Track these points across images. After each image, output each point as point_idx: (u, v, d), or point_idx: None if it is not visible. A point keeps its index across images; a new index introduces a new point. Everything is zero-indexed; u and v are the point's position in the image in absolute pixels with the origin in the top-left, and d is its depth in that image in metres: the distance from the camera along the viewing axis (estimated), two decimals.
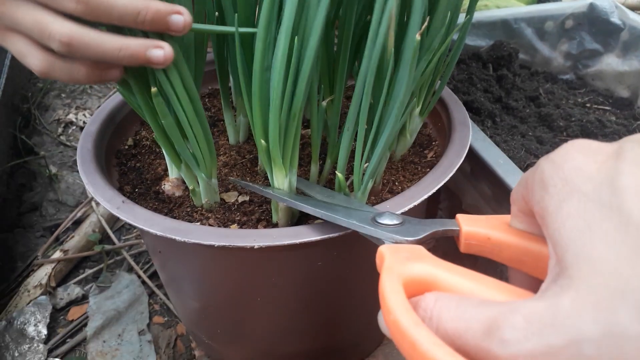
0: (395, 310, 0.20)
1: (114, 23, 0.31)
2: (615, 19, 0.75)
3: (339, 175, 0.39)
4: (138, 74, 0.35)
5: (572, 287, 0.17)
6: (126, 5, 0.31)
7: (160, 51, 0.33)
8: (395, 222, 0.31)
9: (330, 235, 0.35)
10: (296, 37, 0.33)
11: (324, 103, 0.42)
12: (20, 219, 0.80)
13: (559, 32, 0.78)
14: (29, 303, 0.68)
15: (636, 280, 0.16)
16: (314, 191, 0.40)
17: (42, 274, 0.70)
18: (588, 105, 0.75)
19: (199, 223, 0.41)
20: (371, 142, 0.39)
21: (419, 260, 0.23)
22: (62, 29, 0.31)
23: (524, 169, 0.60)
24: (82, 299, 0.71)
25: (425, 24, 0.32)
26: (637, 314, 0.15)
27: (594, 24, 0.77)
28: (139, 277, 0.72)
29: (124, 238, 0.79)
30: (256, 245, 0.34)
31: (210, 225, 0.41)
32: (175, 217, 0.42)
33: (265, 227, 0.40)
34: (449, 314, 0.20)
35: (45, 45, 0.32)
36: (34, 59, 0.32)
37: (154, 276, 0.73)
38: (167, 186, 0.44)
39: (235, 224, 0.41)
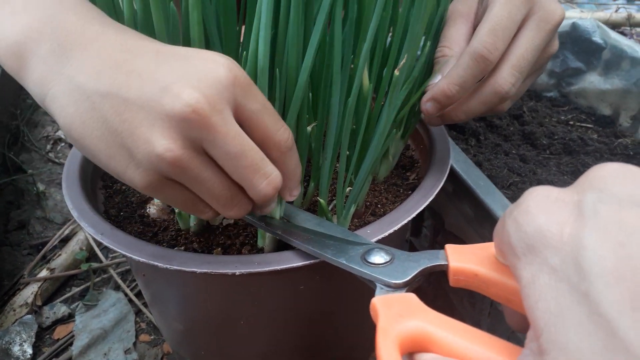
0: None
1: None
2: (597, 38, 0.76)
3: (321, 201, 0.39)
4: None
5: None
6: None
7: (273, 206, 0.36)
8: (384, 259, 0.31)
9: (312, 261, 0.35)
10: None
11: (309, 128, 0.42)
12: (7, 236, 0.80)
13: None
14: (14, 322, 0.67)
15: None
16: (300, 218, 0.40)
17: (28, 293, 0.70)
18: (571, 123, 0.76)
19: (183, 247, 0.41)
20: (353, 168, 0.39)
21: (412, 316, 0.23)
22: (277, 172, 0.32)
23: (507, 187, 0.61)
24: (69, 318, 0.70)
25: (403, 61, 0.33)
26: None
27: (577, 43, 0.78)
28: (126, 295, 0.72)
29: (111, 255, 0.79)
30: (237, 272, 0.34)
31: (194, 249, 0.41)
32: (159, 241, 0.42)
33: (249, 251, 0.41)
34: None
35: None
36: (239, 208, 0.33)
37: (140, 294, 0.73)
38: (153, 209, 0.45)
39: (219, 248, 0.41)
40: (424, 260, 0.30)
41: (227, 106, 0.29)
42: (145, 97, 0.28)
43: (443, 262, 0.28)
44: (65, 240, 0.79)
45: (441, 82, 0.39)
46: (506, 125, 0.73)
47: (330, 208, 0.43)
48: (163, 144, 0.28)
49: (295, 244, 0.36)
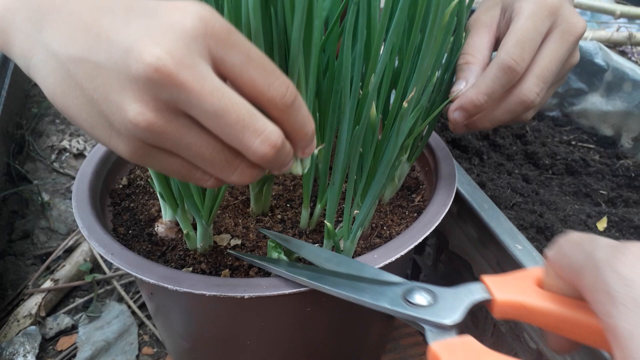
0: None
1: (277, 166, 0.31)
2: (599, 60, 0.77)
3: (328, 225, 0.40)
4: None
5: None
6: (289, 154, 0.30)
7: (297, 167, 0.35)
8: (427, 299, 0.29)
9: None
10: None
11: (316, 151, 0.43)
12: (11, 246, 0.81)
13: None
14: (18, 333, 0.68)
15: None
16: (314, 255, 0.38)
17: (32, 304, 0.70)
18: (573, 143, 0.77)
19: (191, 268, 0.42)
20: (361, 192, 0.40)
21: None
22: (277, 129, 0.28)
23: (510, 207, 0.62)
24: (72, 329, 0.71)
25: (412, 94, 0.34)
26: None
27: (579, 64, 0.79)
28: (129, 307, 0.73)
29: (114, 267, 0.79)
30: (246, 295, 0.35)
31: (202, 269, 0.42)
32: (168, 261, 0.43)
33: (257, 273, 0.41)
34: None
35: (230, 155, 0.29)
36: (240, 173, 0.29)
37: (143, 306, 0.73)
38: (161, 228, 0.45)
39: (227, 269, 0.42)
40: (467, 295, 0.29)
41: (200, 60, 0.26)
42: (113, 59, 0.26)
43: (487, 296, 0.28)
44: (69, 251, 0.79)
45: (469, 92, 0.41)
46: (509, 144, 0.74)
47: (336, 229, 0.43)
48: (134, 108, 0.25)
49: (327, 291, 0.33)
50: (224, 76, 0.27)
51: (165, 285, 0.36)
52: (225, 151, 0.28)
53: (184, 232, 0.42)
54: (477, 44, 0.44)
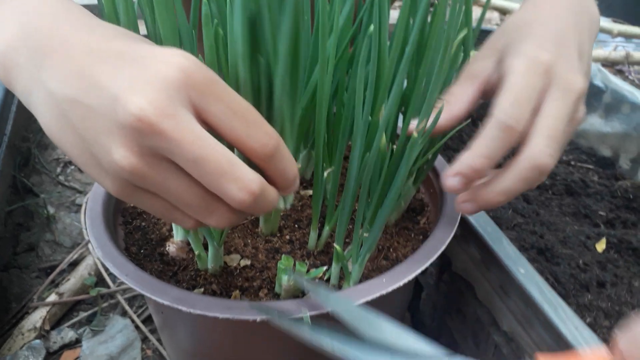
0: None
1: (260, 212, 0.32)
2: (598, 82, 0.79)
3: (337, 248, 0.41)
4: None
5: None
6: (273, 200, 0.31)
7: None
8: None
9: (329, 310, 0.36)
10: None
11: (325, 174, 0.44)
12: (16, 258, 0.81)
13: None
14: (22, 347, 0.68)
15: None
16: (339, 306, 0.34)
17: (36, 317, 0.71)
18: (572, 163, 0.78)
19: (202, 289, 0.42)
20: (370, 216, 0.41)
21: None
22: (257, 177, 0.29)
23: (512, 228, 0.63)
24: (76, 343, 0.71)
25: (422, 124, 0.35)
26: None
27: None
28: (133, 321, 0.73)
29: (118, 281, 0.79)
30: (258, 318, 0.36)
31: (213, 290, 0.43)
32: (179, 281, 0.44)
33: (266, 294, 0.42)
34: None
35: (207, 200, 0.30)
36: (218, 216, 0.30)
37: (147, 321, 0.74)
38: (172, 248, 0.46)
39: (237, 290, 0.42)
40: None
41: (182, 109, 0.27)
42: (103, 104, 0.27)
43: None
44: (74, 264, 0.80)
45: (466, 156, 0.37)
46: None
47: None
48: (119, 152, 0.27)
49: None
50: (207, 125, 0.28)
51: (179, 307, 0.36)
52: (206, 196, 0.30)
53: (196, 253, 0.43)
54: (457, 93, 0.41)
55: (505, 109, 0.36)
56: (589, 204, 0.69)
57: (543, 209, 0.68)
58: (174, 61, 0.27)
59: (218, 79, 0.28)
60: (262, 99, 0.34)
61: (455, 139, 0.74)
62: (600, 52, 1.25)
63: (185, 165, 0.28)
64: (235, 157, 0.28)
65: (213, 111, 0.28)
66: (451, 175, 0.37)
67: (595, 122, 0.80)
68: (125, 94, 0.26)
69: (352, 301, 0.36)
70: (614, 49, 1.29)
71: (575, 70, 0.38)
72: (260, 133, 0.29)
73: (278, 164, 0.31)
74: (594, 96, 0.80)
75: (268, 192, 0.30)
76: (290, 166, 0.32)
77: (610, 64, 1.24)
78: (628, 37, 1.35)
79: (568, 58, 0.39)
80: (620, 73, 1.23)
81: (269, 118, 0.34)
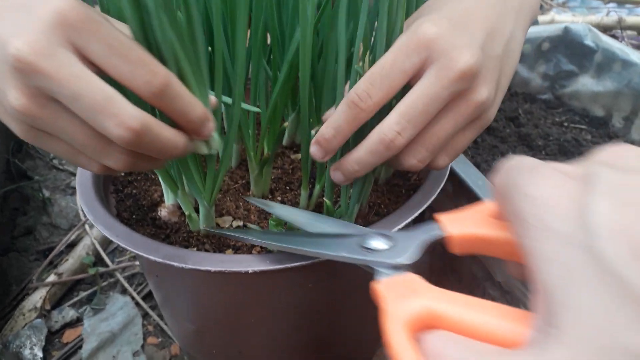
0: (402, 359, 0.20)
1: (155, 152, 0.31)
2: (589, 41, 0.78)
3: (327, 202, 0.41)
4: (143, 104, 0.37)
5: (557, 339, 0.17)
6: (169, 140, 0.31)
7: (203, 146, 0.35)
8: (383, 243, 0.30)
9: (320, 258, 0.37)
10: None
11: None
12: (14, 242, 0.81)
13: (537, 54, 0.82)
14: (24, 326, 0.68)
15: (617, 334, 0.16)
16: (296, 216, 0.39)
17: (36, 298, 0.71)
18: (565, 124, 0.78)
19: (195, 249, 0.43)
20: None
21: (415, 294, 0.23)
22: (137, 113, 0.29)
23: None
24: (77, 322, 0.72)
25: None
26: None
27: (569, 46, 0.80)
28: (133, 298, 0.74)
29: (117, 260, 0.80)
30: (250, 270, 0.36)
31: (206, 250, 0.43)
32: (172, 243, 0.44)
33: (259, 252, 0.42)
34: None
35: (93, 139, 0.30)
36: (110, 158, 0.31)
37: (147, 297, 0.74)
38: (164, 212, 0.46)
39: (231, 249, 0.43)
40: (422, 235, 0.29)
41: (61, 49, 0.28)
42: None
43: (441, 233, 0.28)
44: (71, 246, 0.80)
45: (322, 126, 0.38)
46: (502, 127, 0.75)
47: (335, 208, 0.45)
48: (12, 94, 0.28)
49: (294, 251, 0.35)
50: (91, 64, 0.29)
51: (171, 263, 0.37)
52: (96, 136, 0.30)
53: (186, 213, 0.43)
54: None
55: (357, 85, 0.35)
56: None
57: None
58: (52, 3, 0.28)
59: (96, 17, 0.28)
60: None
61: None
62: (592, 17, 1.24)
63: (67, 103, 0.28)
64: (115, 93, 0.28)
65: (93, 50, 0.28)
66: (312, 144, 0.38)
67: (587, 83, 0.80)
68: (9, 38, 0.28)
69: (300, 211, 0.40)
70: (607, 15, 1.28)
71: (464, 47, 0.34)
72: (144, 71, 0.28)
73: (171, 103, 0.30)
74: (585, 56, 0.79)
75: (156, 130, 0.30)
76: (189, 106, 0.31)
77: (602, 29, 1.24)
78: (620, 2, 1.34)
79: (462, 34, 0.34)
80: (613, 38, 1.23)
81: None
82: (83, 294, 0.75)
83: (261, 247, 0.43)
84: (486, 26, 0.36)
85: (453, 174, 0.52)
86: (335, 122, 0.36)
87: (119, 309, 0.73)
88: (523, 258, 0.20)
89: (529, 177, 0.21)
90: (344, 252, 0.31)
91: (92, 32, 0.28)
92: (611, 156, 0.20)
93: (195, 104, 0.32)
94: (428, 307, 0.22)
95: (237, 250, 0.43)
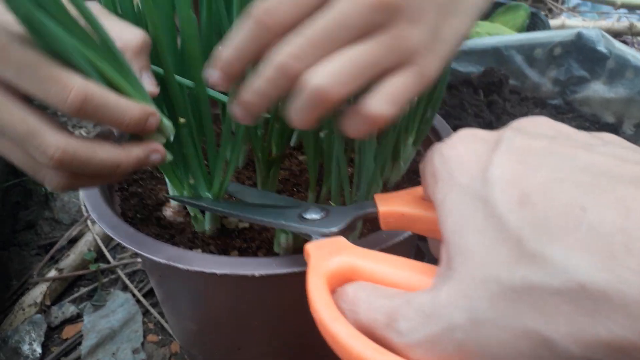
0: (318, 308, 0.22)
1: (91, 174, 0.32)
2: (601, 47, 0.77)
3: (332, 204, 0.40)
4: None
5: (450, 278, 0.19)
6: (104, 160, 0.31)
7: (157, 155, 0.34)
8: (320, 215, 0.33)
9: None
10: None
11: (322, 134, 0.43)
12: (15, 236, 0.81)
13: (548, 59, 0.81)
14: (23, 321, 0.68)
15: (492, 269, 0.18)
16: (247, 195, 0.41)
17: (37, 293, 0.71)
18: None
19: (200, 250, 0.42)
20: (357, 174, 0.40)
21: (339, 253, 0.25)
22: (57, 142, 0.29)
23: None
24: (77, 318, 0.71)
25: None
26: (490, 300, 0.18)
27: (581, 52, 0.79)
28: (134, 295, 0.73)
29: (118, 257, 0.79)
30: (256, 273, 0.35)
31: (211, 251, 0.42)
32: (176, 243, 0.43)
33: (265, 254, 0.42)
34: (363, 306, 0.21)
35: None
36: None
37: (148, 295, 0.74)
38: (169, 212, 0.45)
39: (236, 251, 0.42)
40: (356, 210, 0.32)
41: None
42: None
43: (373, 210, 0.30)
44: (73, 241, 0.79)
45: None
46: None
47: None
48: None
49: (235, 216, 0.37)
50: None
51: (176, 265, 0.36)
52: (30, 158, 0.30)
53: (192, 214, 0.43)
54: None
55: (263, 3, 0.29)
56: None
57: None
58: None
59: (3, 40, 0.28)
60: None
61: (457, 108, 0.73)
62: (603, 23, 1.23)
63: None
64: (37, 123, 0.29)
65: (5, 76, 0.28)
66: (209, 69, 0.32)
67: (599, 89, 0.79)
68: None
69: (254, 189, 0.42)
70: (617, 20, 1.27)
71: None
72: (56, 88, 0.28)
73: (96, 114, 0.30)
74: (597, 62, 0.79)
75: (84, 154, 0.30)
76: (118, 111, 0.30)
77: (613, 35, 1.22)
78: (631, 8, 1.32)
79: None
80: (624, 44, 1.22)
81: None
82: (84, 290, 0.74)
83: (267, 250, 0.42)
84: None
85: None
86: (235, 40, 0.30)
87: (120, 306, 0.72)
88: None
89: (449, 140, 0.22)
90: (283, 220, 0.34)
91: (3, 58, 0.28)
92: (525, 124, 0.22)
93: (126, 107, 0.31)
94: (348, 263, 0.24)
95: (242, 252, 0.42)
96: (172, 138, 0.36)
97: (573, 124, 0.78)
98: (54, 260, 0.77)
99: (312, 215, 0.33)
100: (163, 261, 0.36)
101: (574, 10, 1.39)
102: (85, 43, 0.30)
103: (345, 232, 0.31)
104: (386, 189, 0.49)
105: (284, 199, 0.39)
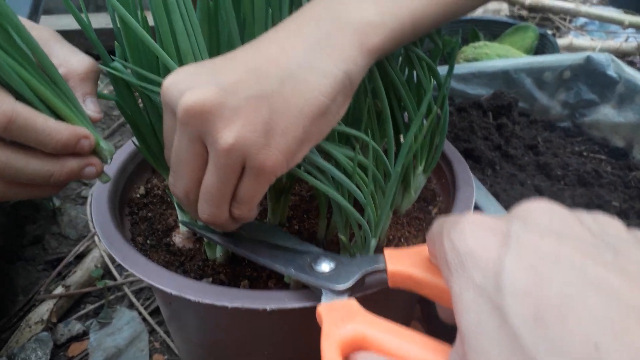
0: None
1: (25, 182, 0.33)
2: (611, 72, 0.77)
3: (342, 238, 0.40)
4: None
5: None
6: (37, 170, 0.33)
7: (92, 168, 0.35)
8: (329, 267, 0.34)
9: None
10: None
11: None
12: (22, 251, 0.81)
13: (557, 82, 0.81)
14: (30, 339, 0.68)
15: None
16: (256, 228, 0.40)
17: (43, 310, 0.70)
18: (585, 154, 0.77)
19: (210, 279, 0.42)
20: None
21: (351, 319, 0.26)
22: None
23: None
24: (83, 335, 0.71)
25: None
26: None
27: (591, 76, 0.79)
28: (140, 313, 0.73)
29: (125, 273, 0.79)
30: (268, 308, 0.35)
31: (221, 280, 0.42)
32: (186, 271, 0.43)
33: (275, 284, 0.41)
34: None
35: None
36: None
37: (154, 313, 0.73)
38: (178, 238, 0.45)
39: (246, 280, 0.42)
40: (365, 265, 0.32)
41: None
42: None
43: (382, 266, 0.31)
44: (80, 257, 0.79)
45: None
46: (521, 155, 0.74)
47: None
48: None
49: (245, 255, 0.37)
50: None
51: (188, 297, 0.36)
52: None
53: (205, 241, 0.43)
54: None
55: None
56: (602, 194, 0.67)
57: (555, 199, 0.66)
58: None
59: None
60: None
61: (466, 130, 0.73)
62: (611, 43, 1.23)
63: None
64: None
65: None
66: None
67: (608, 113, 0.79)
68: None
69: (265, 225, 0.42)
70: (625, 40, 1.27)
71: (195, 87, 0.30)
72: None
73: (22, 135, 0.31)
74: (607, 87, 0.78)
75: (20, 159, 0.32)
76: (46, 134, 0.32)
77: (621, 55, 1.22)
78: (639, 28, 1.32)
79: (203, 75, 0.31)
80: (631, 65, 1.21)
81: None
82: (90, 307, 0.74)
83: (277, 280, 0.42)
84: (250, 64, 0.32)
85: (475, 207, 0.51)
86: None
87: (126, 324, 0.72)
88: (450, 299, 0.23)
89: (455, 225, 0.23)
90: (293, 268, 0.34)
91: None
92: (534, 214, 0.22)
93: (54, 130, 0.32)
94: (360, 332, 0.25)
95: (252, 280, 0.42)
96: (109, 161, 0.37)
97: (582, 147, 0.78)
98: (61, 276, 0.77)
99: (322, 267, 0.33)
100: (174, 293, 0.36)
101: (582, 29, 1.39)
102: (25, 67, 0.31)
103: (355, 288, 0.32)
104: (396, 216, 0.49)
105: (293, 239, 0.39)
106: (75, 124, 0.34)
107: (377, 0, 0.34)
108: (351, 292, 0.32)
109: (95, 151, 0.35)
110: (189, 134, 0.31)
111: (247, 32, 0.36)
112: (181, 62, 0.34)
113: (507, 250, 0.21)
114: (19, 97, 0.32)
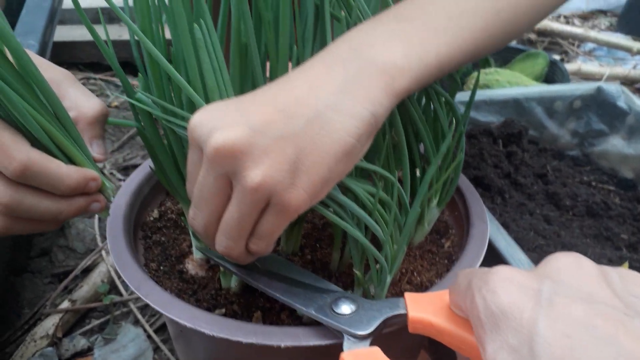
0: None
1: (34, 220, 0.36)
2: (621, 103, 0.78)
3: (357, 273, 0.40)
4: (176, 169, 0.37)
5: None
6: (49, 208, 0.35)
7: (97, 204, 0.38)
8: (350, 309, 0.34)
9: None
10: None
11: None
12: (29, 263, 0.81)
13: (568, 111, 0.81)
14: (34, 354, 0.68)
15: None
16: (270, 261, 0.40)
17: (49, 324, 0.70)
18: (593, 184, 0.77)
19: (224, 309, 0.42)
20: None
21: None
22: (4, 191, 0.33)
23: (533, 250, 0.62)
24: (87, 351, 0.71)
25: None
26: None
27: (601, 106, 0.80)
28: (145, 330, 0.73)
29: (131, 289, 0.79)
30: (282, 345, 0.35)
31: (234, 310, 0.42)
32: (199, 300, 0.43)
33: (288, 316, 0.41)
34: None
35: None
36: None
37: (159, 330, 0.73)
38: (190, 266, 0.46)
39: (259, 311, 0.42)
40: (386, 309, 0.32)
41: None
42: None
43: (403, 312, 0.31)
44: (87, 271, 0.79)
45: None
46: (530, 184, 0.74)
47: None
48: None
49: (262, 290, 0.37)
50: None
51: (202, 330, 0.36)
52: None
53: (221, 269, 0.43)
54: None
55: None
56: (610, 226, 0.67)
57: (564, 230, 0.67)
58: None
59: None
60: None
61: (476, 157, 0.74)
62: (619, 70, 1.23)
63: None
64: None
65: None
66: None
67: (618, 144, 0.79)
68: None
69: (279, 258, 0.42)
70: (634, 67, 1.27)
71: (225, 127, 0.30)
72: (1, 157, 0.32)
73: (36, 180, 0.33)
74: (616, 117, 0.79)
75: (33, 199, 0.34)
76: (57, 178, 0.34)
77: (629, 82, 1.23)
78: None
79: (232, 114, 0.32)
80: (639, 92, 1.22)
81: None
82: (95, 322, 0.74)
83: (290, 312, 0.42)
84: (278, 105, 0.32)
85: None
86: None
87: (131, 341, 0.72)
88: (476, 353, 0.23)
89: (486, 280, 0.24)
90: (313, 309, 0.34)
91: None
92: (565, 272, 0.23)
93: (66, 174, 0.35)
94: None
95: (265, 311, 0.42)
96: (112, 199, 0.39)
97: (591, 177, 0.79)
98: (68, 290, 0.77)
99: (343, 309, 0.34)
100: (188, 325, 0.36)
101: (590, 54, 1.39)
102: (42, 113, 0.33)
103: (376, 333, 0.32)
104: (409, 249, 0.49)
105: (309, 275, 0.39)
106: (84, 166, 0.36)
107: (403, 42, 0.35)
108: (372, 336, 0.32)
109: (100, 190, 0.38)
110: (216, 171, 0.31)
111: (270, 70, 0.36)
112: (207, 98, 0.35)
113: (539, 311, 0.21)
114: (34, 140, 0.34)
